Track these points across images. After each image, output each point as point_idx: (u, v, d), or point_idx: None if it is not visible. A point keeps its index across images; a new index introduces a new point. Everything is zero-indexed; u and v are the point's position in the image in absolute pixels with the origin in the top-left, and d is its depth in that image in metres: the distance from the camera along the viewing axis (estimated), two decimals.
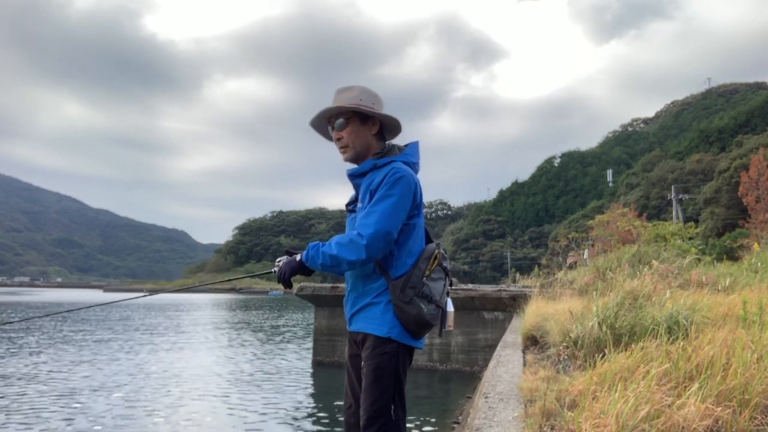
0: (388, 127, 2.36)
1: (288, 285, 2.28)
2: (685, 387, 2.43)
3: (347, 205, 2.41)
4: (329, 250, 2.12)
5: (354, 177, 2.32)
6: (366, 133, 2.30)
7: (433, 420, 7.54)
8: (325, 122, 2.36)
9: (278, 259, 2.31)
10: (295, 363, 12.97)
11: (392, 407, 2.10)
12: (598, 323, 3.98)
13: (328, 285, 13.18)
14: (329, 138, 2.39)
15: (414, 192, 2.18)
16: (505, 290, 12.25)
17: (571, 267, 12.87)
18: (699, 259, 9.85)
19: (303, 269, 2.21)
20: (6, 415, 7.34)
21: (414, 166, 2.30)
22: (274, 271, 2.29)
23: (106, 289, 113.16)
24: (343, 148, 2.32)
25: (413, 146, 2.36)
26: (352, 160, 2.32)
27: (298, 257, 2.22)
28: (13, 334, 17.89)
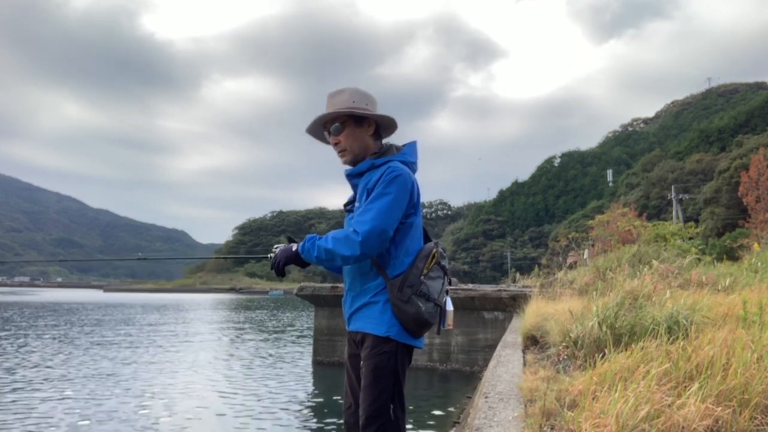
0: (384, 125, 2.37)
1: (281, 274, 2.29)
2: (685, 387, 2.42)
3: (345, 205, 2.41)
4: (325, 243, 2.13)
5: (352, 177, 2.33)
6: (362, 134, 2.30)
7: (433, 420, 7.54)
8: (322, 128, 2.36)
9: (275, 246, 2.33)
10: (295, 363, 12.98)
11: (391, 407, 2.10)
12: (598, 323, 3.97)
13: (328, 285, 13.19)
14: (327, 143, 2.39)
15: (411, 191, 2.18)
16: (505, 290, 12.24)
17: (571, 267, 12.85)
18: (699, 259, 9.83)
19: (298, 260, 2.23)
20: (6, 413, 7.33)
21: (412, 165, 2.30)
22: (270, 257, 2.31)
23: (107, 289, 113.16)
24: (342, 152, 2.32)
25: (411, 146, 2.37)
26: (351, 162, 2.33)
27: (294, 247, 2.24)
28: (13, 334, 17.89)
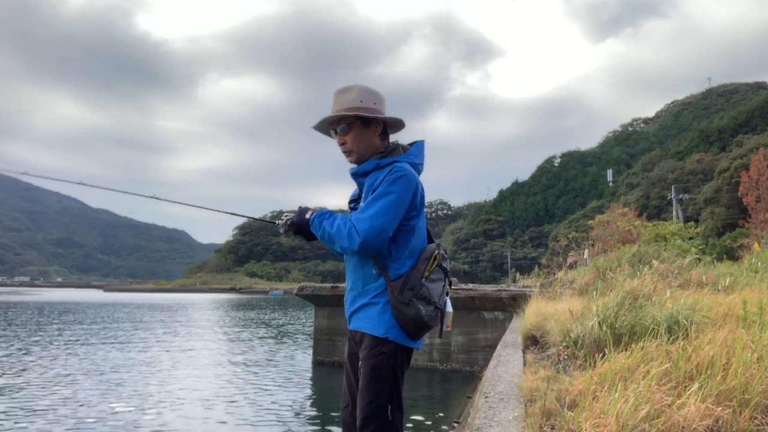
0: (391, 124, 2.36)
1: (295, 233, 2.36)
2: (685, 387, 2.43)
3: (350, 202, 2.41)
4: (330, 227, 2.18)
5: (357, 176, 2.33)
6: (369, 135, 2.29)
7: (433, 420, 7.54)
8: (328, 125, 2.36)
9: (286, 213, 2.39)
10: (295, 362, 12.98)
11: (389, 407, 2.10)
12: (598, 323, 3.97)
13: (328, 285, 13.20)
14: (334, 138, 2.39)
15: (414, 192, 2.17)
16: (505, 290, 12.24)
17: (571, 267, 12.85)
18: (699, 259, 9.82)
19: (306, 229, 2.29)
20: (6, 413, 7.34)
21: (417, 166, 2.29)
22: (278, 223, 2.38)
23: (107, 289, 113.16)
24: (348, 153, 2.32)
25: (418, 146, 2.36)
26: (358, 162, 2.32)
27: (308, 215, 2.29)
28: (13, 333, 17.89)
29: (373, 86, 2.33)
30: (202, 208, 2.99)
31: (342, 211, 2.32)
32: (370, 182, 2.22)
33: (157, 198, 2.93)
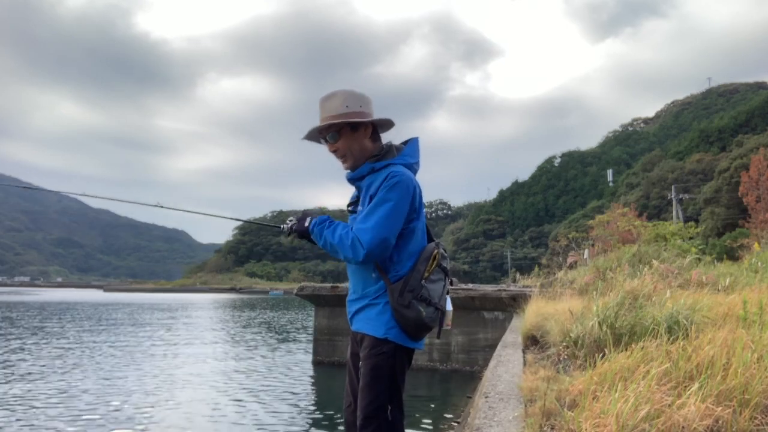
0: (380, 124, 2.35)
1: (302, 237, 2.37)
2: (685, 387, 2.42)
3: (349, 205, 2.41)
4: (331, 238, 2.17)
5: (353, 181, 2.32)
6: (360, 138, 2.28)
7: (433, 420, 7.54)
8: (318, 134, 2.35)
9: (290, 218, 2.40)
10: (295, 362, 12.98)
11: (389, 408, 2.10)
12: (598, 323, 3.97)
13: (328, 285, 13.20)
14: (324, 145, 2.39)
15: (412, 195, 2.17)
16: (505, 290, 12.24)
17: (571, 267, 12.84)
18: (699, 259, 9.82)
19: (307, 236, 2.30)
20: (6, 415, 7.33)
21: (413, 166, 2.29)
22: (283, 228, 2.38)
23: (107, 289, 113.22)
24: (342, 158, 2.31)
25: (412, 145, 2.34)
26: (353, 167, 2.31)
27: (306, 223, 2.29)
28: (14, 332, 17.89)
29: (357, 89, 2.31)
30: (206, 215, 3.01)
31: (341, 212, 2.33)
32: (367, 187, 2.22)
33: (161, 206, 2.92)
